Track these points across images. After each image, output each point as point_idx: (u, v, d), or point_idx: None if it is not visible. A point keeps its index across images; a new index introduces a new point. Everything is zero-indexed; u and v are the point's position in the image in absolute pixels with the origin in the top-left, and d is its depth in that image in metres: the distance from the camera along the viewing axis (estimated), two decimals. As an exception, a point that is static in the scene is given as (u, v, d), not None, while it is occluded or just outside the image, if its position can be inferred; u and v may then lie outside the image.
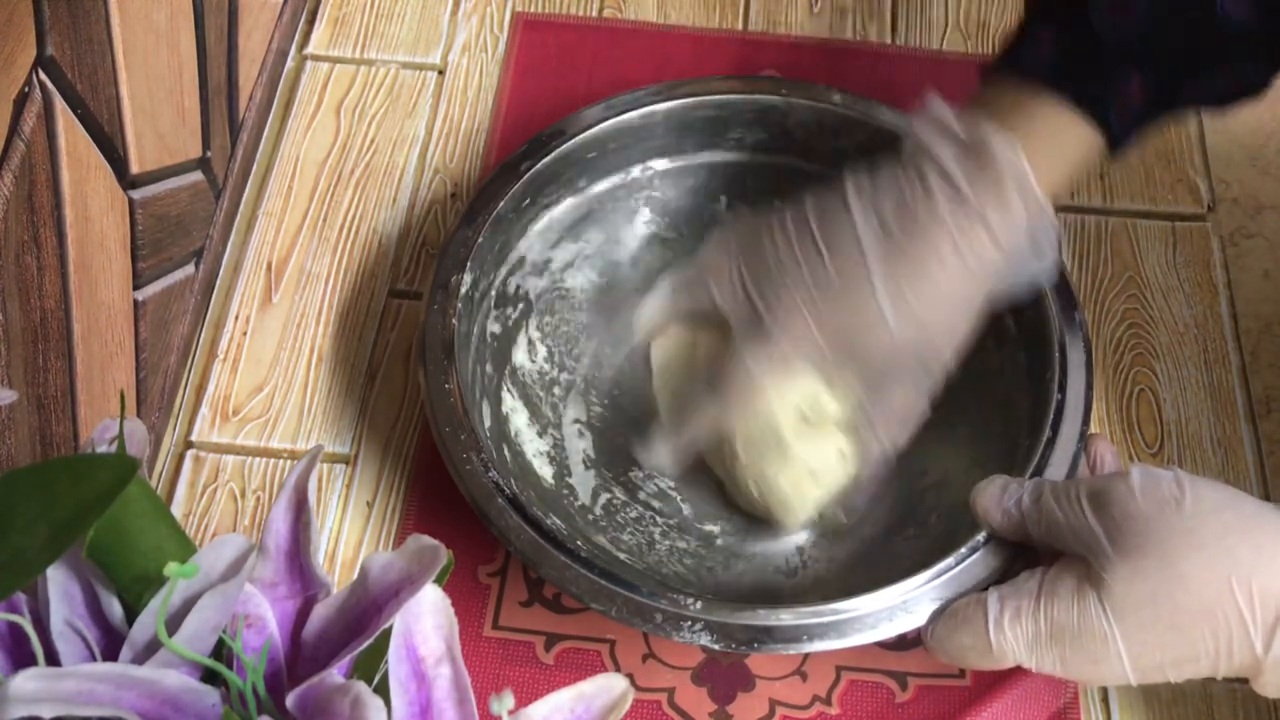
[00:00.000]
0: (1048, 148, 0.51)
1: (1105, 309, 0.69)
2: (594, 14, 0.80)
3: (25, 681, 0.30)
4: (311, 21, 0.80)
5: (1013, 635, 0.46)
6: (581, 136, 0.62)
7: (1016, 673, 0.56)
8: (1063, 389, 0.55)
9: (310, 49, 0.78)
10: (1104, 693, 0.57)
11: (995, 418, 0.59)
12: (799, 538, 0.60)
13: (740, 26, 0.80)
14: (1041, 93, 0.51)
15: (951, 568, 0.50)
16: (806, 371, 0.54)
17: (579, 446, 0.63)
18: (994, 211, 0.50)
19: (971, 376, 0.61)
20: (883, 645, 0.58)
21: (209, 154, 0.67)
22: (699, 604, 0.49)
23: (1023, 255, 0.52)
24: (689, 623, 0.49)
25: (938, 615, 0.49)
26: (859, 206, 0.52)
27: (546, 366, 0.64)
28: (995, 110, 0.51)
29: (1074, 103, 0.50)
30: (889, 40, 0.79)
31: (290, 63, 0.78)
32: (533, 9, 0.80)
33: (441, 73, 0.78)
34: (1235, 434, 0.65)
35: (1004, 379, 0.59)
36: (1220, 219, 0.72)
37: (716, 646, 0.49)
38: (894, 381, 0.54)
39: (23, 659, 0.34)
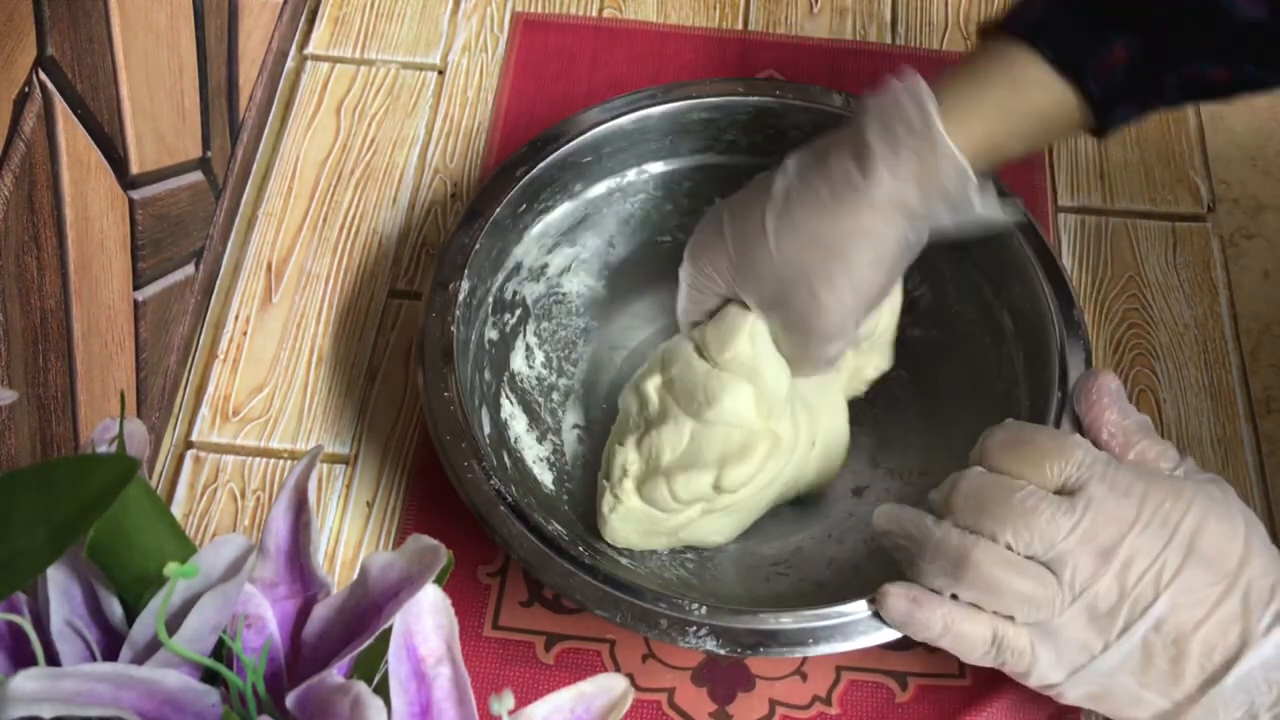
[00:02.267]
0: (1007, 94, 0.51)
1: (1105, 309, 0.69)
2: (594, 14, 0.80)
3: (25, 681, 0.30)
4: (311, 21, 0.80)
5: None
6: (577, 141, 0.62)
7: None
8: (1062, 387, 0.55)
9: (310, 49, 0.78)
10: (1104, 693, 0.57)
11: (994, 417, 0.59)
12: (800, 539, 0.60)
13: (740, 26, 0.80)
14: (1023, 49, 0.51)
15: None
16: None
17: (579, 452, 0.63)
18: (878, 138, 0.50)
19: (970, 376, 0.61)
20: (883, 645, 0.58)
21: (209, 154, 0.67)
22: (703, 609, 0.49)
23: (929, 197, 0.51)
24: (694, 628, 0.49)
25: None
26: (792, 156, 0.54)
27: (545, 372, 0.64)
28: (968, 62, 0.52)
29: (1052, 61, 0.50)
30: (889, 40, 0.79)
31: (290, 63, 0.78)
32: (533, 9, 0.80)
33: (441, 73, 0.78)
34: (1235, 434, 0.65)
35: (1003, 378, 0.59)
36: (1220, 219, 0.72)
37: (721, 651, 0.49)
38: (784, 311, 0.54)
39: (23, 659, 0.34)
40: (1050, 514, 0.45)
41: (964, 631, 0.46)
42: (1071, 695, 0.46)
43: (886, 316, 0.59)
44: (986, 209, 0.52)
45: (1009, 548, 0.45)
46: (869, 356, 0.60)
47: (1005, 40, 0.51)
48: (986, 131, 0.51)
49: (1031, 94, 0.51)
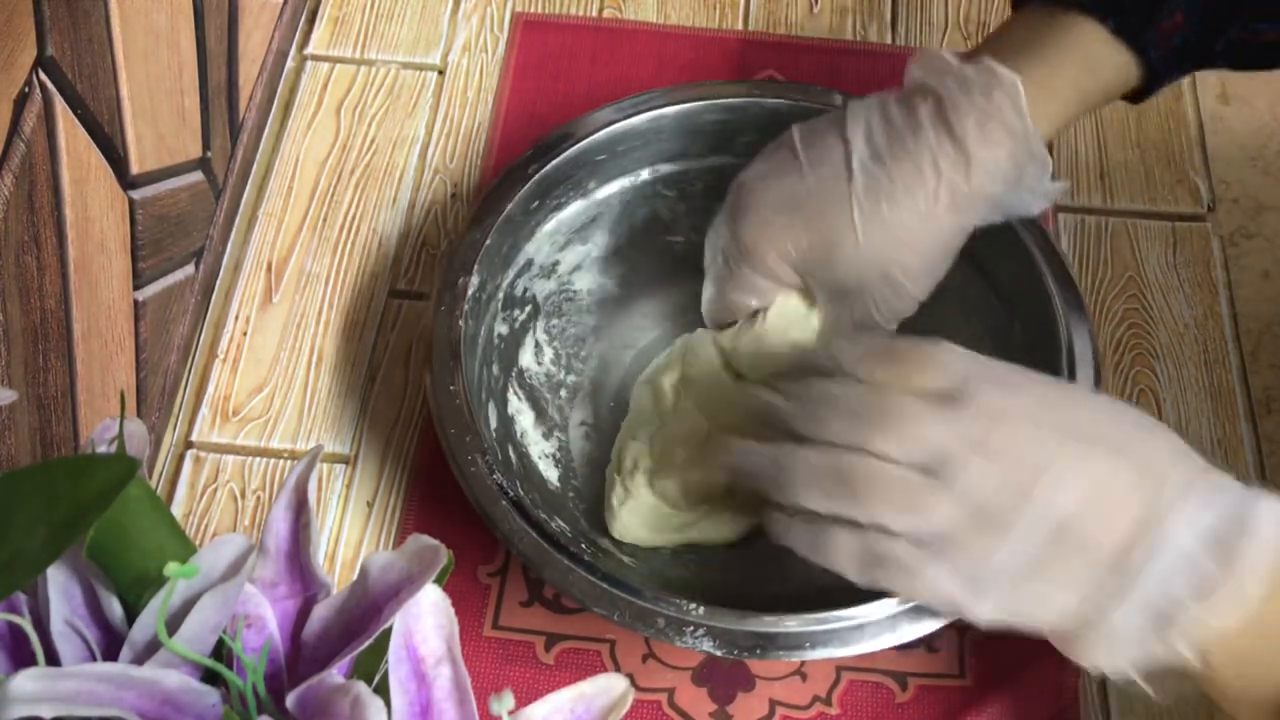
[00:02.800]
0: (1081, 74, 0.51)
1: (1105, 309, 0.69)
2: (594, 14, 0.80)
3: (25, 681, 0.30)
4: (311, 21, 0.80)
5: None
6: (590, 139, 0.62)
7: (1017, 673, 0.56)
8: None
9: (310, 49, 0.78)
10: (1103, 694, 0.57)
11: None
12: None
13: (740, 26, 0.80)
14: (1079, 19, 0.51)
15: None
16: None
17: (585, 449, 0.63)
18: (978, 142, 0.51)
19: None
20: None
21: (209, 154, 0.67)
22: (701, 610, 0.49)
23: (1009, 188, 0.52)
24: (691, 628, 0.49)
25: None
26: (855, 129, 0.53)
27: (553, 369, 0.64)
28: (1026, 37, 0.52)
29: (1114, 31, 0.50)
30: (889, 40, 0.79)
31: (290, 63, 0.78)
32: (533, 9, 0.80)
33: (441, 73, 0.78)
34: (1235, 434, 0.65)
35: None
36: (1220, 219, 0.72)
37: (718, 653, 0.49)
38: (858, 300, 0.55)
39: (23, 659, 0.34)
40: (928, 417, 0.42)
41: (827, 541, 0.44)
42: (983, 611, 0.43)
43: None
44: (1051, 192, 0.53)
45: (888, 458, 0.42)
46: None
47: (1058, 11, 0.51)
48: (1062, 116, 0.52)
49: (1103, 71, 0.51)
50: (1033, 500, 0.41)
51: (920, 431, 0.42)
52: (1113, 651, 0.41)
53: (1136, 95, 0.54)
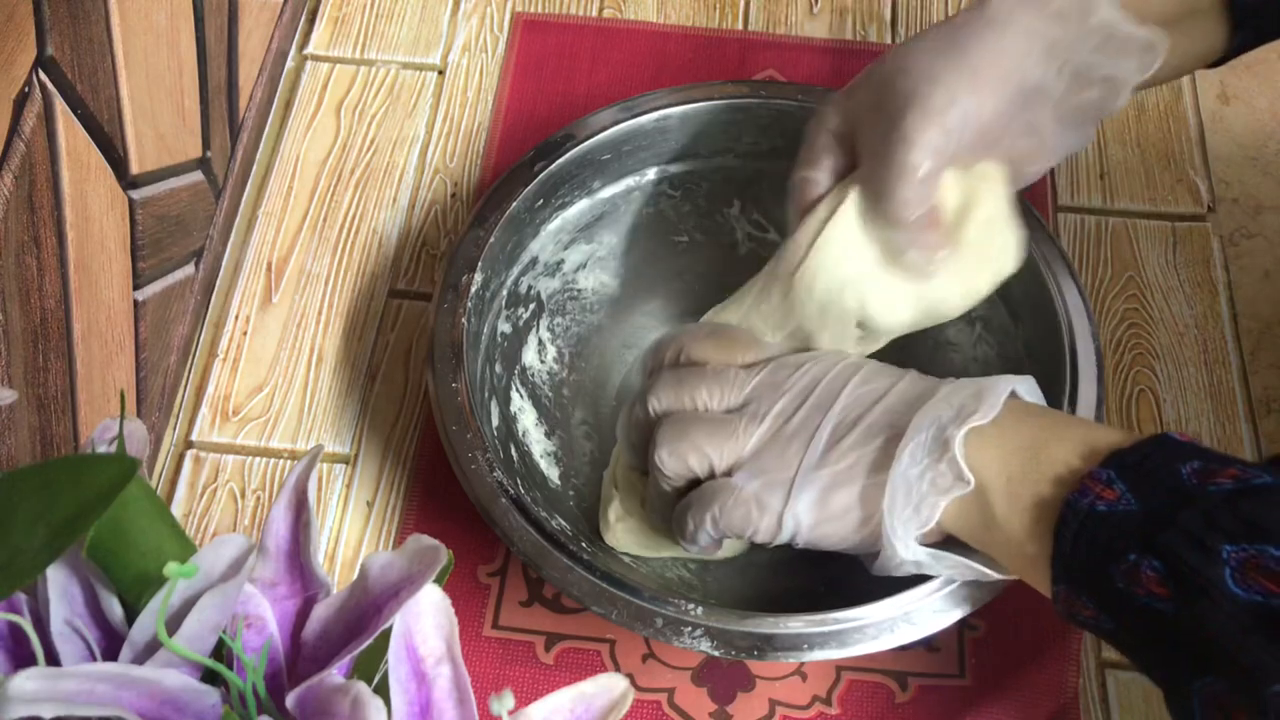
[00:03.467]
0: None
1: (1105, 309, 0.69)
2: (594, 14, 0.80)
3: (25, 681, 0.30)
4: (311, 21, 0.80)
5: None
6: (596, 139, 0.62)
7: (1017, 673, 0.56)
8: (1073, 402, 0.54)
9: (310, 49, 0.79)
10: (1104, 693, 0.57)
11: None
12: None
13: (740, 26, 0.80)
14: None
15: (955, 579, 0.50)
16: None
17: (586, 448, 0.63)
18: None
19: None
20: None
21: (209, 154, 0.67)
22: (700, 610, 0.49)
23: (1081, 35, 0.48)
24: (689, 628, 0.49)
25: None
26: None
27: (556, 367, 0.64)
28: None
29: None
30: (889, 40, 0.79)
31: (290, 63, 0.78)
32: (533, 9, 0.80)
33: (441, 73, 0.78)
34: (1235, 434, 0.65)
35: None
36: (1220, 219, 0.72)
37: (716, 653, 0.49)
38: (874, 118, 0.49)
39: (23, 659, 0.34)
40: (735, 373, 0.51)
41: (687, 511, 0.49)
42: (801, 510, 0.47)
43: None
44: (1124, 25, 0.47)
45: (711, 409, 0.50)
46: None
47: None
48: None
49: None
50: (830, 412, 0.48)
51: (734, 384, 0.50)
52: (906, 516, 0.46)
53: (1226, 50, 0.51)
